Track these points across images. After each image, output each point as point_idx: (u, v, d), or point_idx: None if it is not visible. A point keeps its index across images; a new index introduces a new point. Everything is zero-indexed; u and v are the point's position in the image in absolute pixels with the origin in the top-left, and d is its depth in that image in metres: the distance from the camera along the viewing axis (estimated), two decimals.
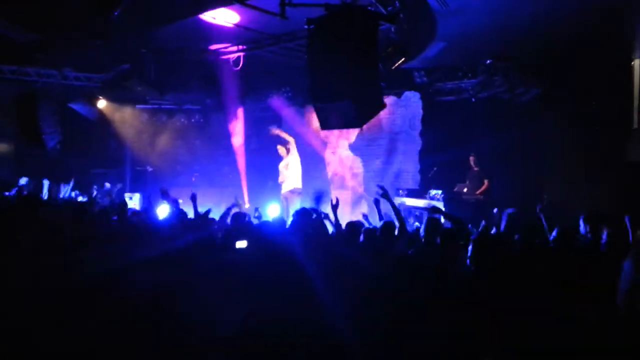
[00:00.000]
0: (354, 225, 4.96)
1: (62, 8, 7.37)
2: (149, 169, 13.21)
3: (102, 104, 11.74)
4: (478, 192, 9.18)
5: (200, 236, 4.34)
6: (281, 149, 10.36)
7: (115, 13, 4.36)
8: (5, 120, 13.00)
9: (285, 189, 10.03)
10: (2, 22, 7.31)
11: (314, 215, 5.30)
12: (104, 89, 11.43)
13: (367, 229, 4.96)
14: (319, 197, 5.95)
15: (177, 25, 8.60)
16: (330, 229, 5.31)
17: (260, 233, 4.64)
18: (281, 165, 10.32)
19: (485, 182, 9.18)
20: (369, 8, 6.37)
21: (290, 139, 10.26)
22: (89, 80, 11.18)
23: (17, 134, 12.53)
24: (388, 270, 3.80)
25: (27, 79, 10.68)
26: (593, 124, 8.72)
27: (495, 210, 8.23)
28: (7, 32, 7.63)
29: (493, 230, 5.21)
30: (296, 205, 9.23)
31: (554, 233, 4.32)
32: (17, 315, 3.03)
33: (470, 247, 4.07)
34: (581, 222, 4.98)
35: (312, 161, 12.75)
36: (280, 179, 10.19)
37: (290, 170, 10.10)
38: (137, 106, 12.83)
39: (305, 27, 5.92)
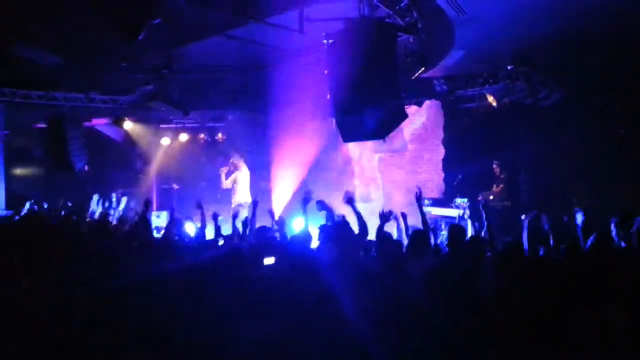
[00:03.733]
0: (383, 237, 4.94)
1: (87, 32, 7.58)
2: (175, 187, 13.38)
3: (127, 124, 11.96)
4: (496, 189, 9.07)
5: (228, 250, 4.35)
6: (234, 164, 11.58)
7: (140, 37, 4.46)
8: (35, 143, 13.38)
9: (234, 202, 11.12)
10: (30, 48, 7.55)
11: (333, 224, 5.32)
12: (128, 110, 11.67)
13: (396, 240, 4.96)
14: (305, 200, 6.03)
15: (198, 44, 8.78)
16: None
17: (288, 249, 4.65)
18: (229, 180, 11.50)
19: (500, 186, 9.08)
20: (387, 20, 6.39)
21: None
22: (114, 103, 11.44)
23: (46, 157, 12.87)
24: (415, 281, 3.78)
25: (54, 103, 10.96)
26: (619, 125, 8.57)
27: (523, 216, 8.13)
28: (35, 57, 7.86)
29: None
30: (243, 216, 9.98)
31: (590, 239, 4.22)
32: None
33: (498, 255, 4.04)
34: (612, 226, 4.87)
35: (334, 173, 12.77)
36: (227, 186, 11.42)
37: (240, 184, 11.40)
38: (161, 125, 13.05)
39: (324, 41, 5.98)
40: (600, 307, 3.21)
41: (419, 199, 5.65)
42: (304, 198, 6.12)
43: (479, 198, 9.03)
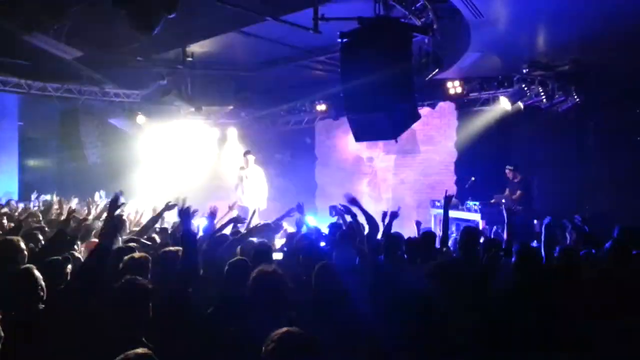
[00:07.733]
0: (393, 237, 4.91)
1: (105, 26, 7.61)
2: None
3: (140, 119, 12.01)
4: (514, 196, 8.94)
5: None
6: (247, 160, 10.60)
7: (155, 31, 4.46)
8: (49, 135, 13.51)
9: (247, 202, 10.14)
10: (46, 39, 7.56)
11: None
12: (142, 104, 11.72)
13: (410, 240, 4.94)
14: (300, 207, 6.13)
15: (213, 40, 8.79)
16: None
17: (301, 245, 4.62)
18: (236, 176, 10.62)
19: (518, 192, 8.95)
20: (402, 20, 6.35)
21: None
22: (128, 97, 11.50)
23: (60, 149, 13.00)
24: (427, 282, 3.75)
25: (70, 96, 11.05)
26: (636, 132, 8.46)
27: (536, 221, 8.05)
28: (51, 49, 7.88)
29: (534, 243, 5.09)
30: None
31: (606, 245, 4.18)
32: None
33: (513, 259, 4.00)
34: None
35: (346, 174, 12.74)
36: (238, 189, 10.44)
37: (248, 183, 10.44)
38: (174, 121, 13.08)
39: (339, 40, 5.94)
40: (619, 315, 3.15)
41: (448, 201, 5.65)
42: (298, 208, 6.08)
43: (492, 201, 8.95)
